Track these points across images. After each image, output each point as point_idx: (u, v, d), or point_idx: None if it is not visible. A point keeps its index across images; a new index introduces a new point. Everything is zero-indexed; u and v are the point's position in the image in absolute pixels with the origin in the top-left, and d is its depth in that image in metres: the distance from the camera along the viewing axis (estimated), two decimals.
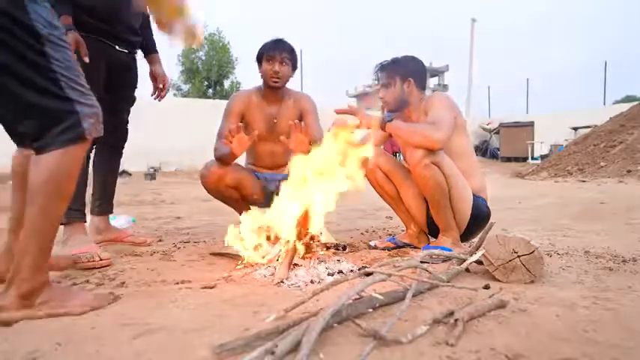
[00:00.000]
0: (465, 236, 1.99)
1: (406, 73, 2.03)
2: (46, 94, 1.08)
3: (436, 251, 1.69)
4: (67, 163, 1.12)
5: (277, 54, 2.19)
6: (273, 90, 2.26)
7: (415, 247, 2.08)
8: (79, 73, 1.17)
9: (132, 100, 2.26)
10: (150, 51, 2.32)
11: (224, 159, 2.09)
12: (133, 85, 2.26)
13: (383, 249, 2.05)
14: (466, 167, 1.94)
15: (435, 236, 2.04)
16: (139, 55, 2.28)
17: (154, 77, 2.30)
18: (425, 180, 1.85)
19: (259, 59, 2.24)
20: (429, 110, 1.94)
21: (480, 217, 1.95)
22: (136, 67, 2.25)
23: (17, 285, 1.08)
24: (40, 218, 1.10)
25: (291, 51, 2.23)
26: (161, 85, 2.30)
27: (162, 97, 2.34)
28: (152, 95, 2.33)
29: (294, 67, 2.28)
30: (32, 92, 1.08)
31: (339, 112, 1.93)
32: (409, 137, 1.86)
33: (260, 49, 2.24)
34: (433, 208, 1.94)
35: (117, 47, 2.08)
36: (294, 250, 1.60)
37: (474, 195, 1.95)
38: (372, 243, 2.15)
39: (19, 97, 1.08)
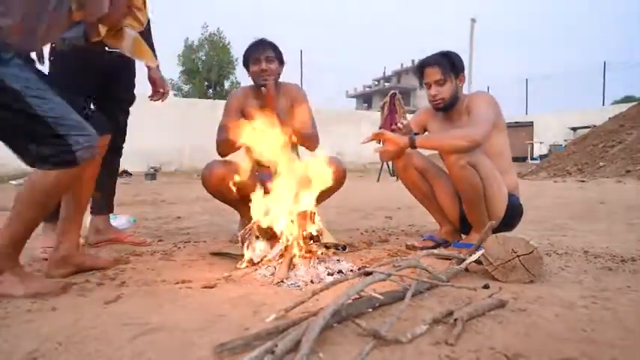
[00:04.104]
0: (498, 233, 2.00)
1: (459, 67, 2.00)
2: (38, 135, 1.27)
3: (436, 251, 1.69)
4: (51, 183, 1.31)
5: (261, 54, 2.21)
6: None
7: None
8: (65, 109, 1.31)
9: (129, 100, 2.25)
10: None
11: (225, 144, 2.14)
12: (128, 85, 2.24)
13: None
14: (501, 166, 1.94)
15: (467, 233, 2.06)
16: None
17: (153, 81, 2.30)
18: (461, 180, 1.85)
19: (246, 63, 2.27)
20: (471, 109, 1.92)
21: (513, 215, 1.96)
22: (132, 68, 2.24)
23: None
24: (14, 218, 1.33)
25: (273, 48, 2.25)
26: (161, 90, 2.31)
27: (162, 100, 2.36)
28: (150, 98, 2.34)
29: (282, 62, 2.29)
30: (28, 137, 1.27)
31: (365, 142, 1.98)
32: (445, 144, 1.85)
33: (244, 53, 2.27)
34: (467, 207, 1.95)
35: (106, 48, 2.07)
36: (294, 250, 1.61)
37: (508, 193, 1.94)
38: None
39: (20, 141, 1.30)
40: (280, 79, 2.32)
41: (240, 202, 2.19)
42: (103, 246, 2.16)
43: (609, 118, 10.28)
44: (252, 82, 2.32)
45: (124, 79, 2.19)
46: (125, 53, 1.72)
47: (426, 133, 2.19)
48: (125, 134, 2.29)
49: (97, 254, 1.94)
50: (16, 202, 1.34)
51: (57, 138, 1.27)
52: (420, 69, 2.03)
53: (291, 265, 1.56)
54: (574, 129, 13.31)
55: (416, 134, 1.94)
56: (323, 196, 2.23)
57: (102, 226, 2.21)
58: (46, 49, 1.93)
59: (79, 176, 1.40)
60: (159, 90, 2.31)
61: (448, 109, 2.03)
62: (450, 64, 1.97)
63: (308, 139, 2.23)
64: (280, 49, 2.29)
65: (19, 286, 1.30)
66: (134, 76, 2.27)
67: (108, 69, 2.05)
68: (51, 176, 1.31)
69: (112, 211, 2.30)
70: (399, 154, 2.06)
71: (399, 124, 2.06)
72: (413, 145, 1.89)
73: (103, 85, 2.05)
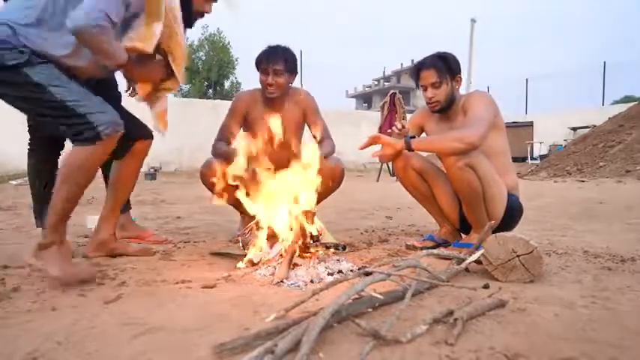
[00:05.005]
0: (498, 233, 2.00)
1: (455, 69, 1.99)
2: (63, 117, 1.47)
3: (435, 251, 1.69)
4: (82, 158, 1.48)
5: (270, 66, 2.15)
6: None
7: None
8: (85, 94, 1.50)
9: (117, 99, 2.17)
10: None
11: (219, 160, 2.12)
12: (111, 85, 2.15)
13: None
14: (500, 166, 1.94)
15: (467, 232, 2.06)
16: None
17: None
18: (459, 182, 1.85)
19: (257, 67, 2.23)
20: (468, 109, 1.92)
21: (512, 215, 1.96)
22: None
23: (42, 237, 1.52)
24: (55, 195, 1.49)
25: (285, 61, 2.17)
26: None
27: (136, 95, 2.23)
28: (126, 92, 2.21)
29: (292, 73, 2.23)
30: (55, 119, 1.49)
31: (363, 147, 1.98)
32: (442, 147, 1.84)
33: (256, 57, 2.22)
34: (466, 208, 1.94)
35: None
36: (294, 249, 1.61)
37: (507, 193, 1.93)
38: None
39: (51, 124, 1.53)
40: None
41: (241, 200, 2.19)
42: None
43: (609, 118, 10.29)
44: (254, 83, 2.32)
45: (103, 80, 2.12)
46: (151, 112, 1.88)
47: (423, 134, 2.19)
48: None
49: (128, 243, 2.06)
50: (56, 180, 1.50)
51: (79, 117, 1.45)
52: (416, 72, 2.02)
53: (291, 265, 1.56)
54: (574, 129, 13.29)
55: (412, 137, 1.94)
56: (321, 196, 2.23)
57: (126, 223, 2.22)
58: None
59: (107, 152, 1.54)
60: (133, 84, 2.15)
61: (445, 110, 2.03)
62: (446, 66, 1.96)
63: (329, 155, 2.22)
64: (293, 58, 2.22)
65: (56, 266, 1.42)
66: (113, 75, 2.18)
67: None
68: (81, 152, 1.47)
69: (130, 207, 2.31)
70: (397, 156, 2.06)
71: (393, 127, 2.05)
72: (409, 149, 1.89)
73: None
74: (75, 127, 1.47)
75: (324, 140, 2.31)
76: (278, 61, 2.15)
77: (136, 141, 1.83)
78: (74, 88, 1.49)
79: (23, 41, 1.42)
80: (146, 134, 1.89)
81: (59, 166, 1.50)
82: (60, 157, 2.10)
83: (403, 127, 2.03)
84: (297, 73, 2.28)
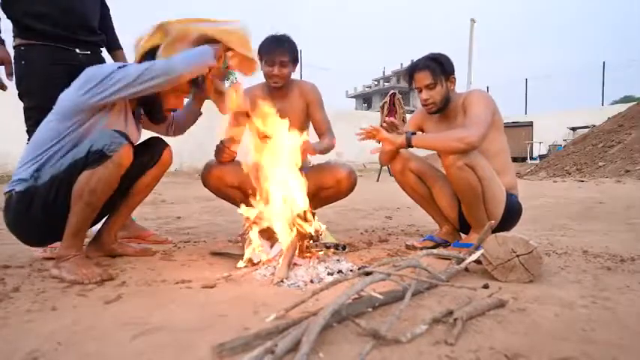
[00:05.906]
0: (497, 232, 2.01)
1: (448, 70, 1.99)
2: (87, 164, 1.54)
3: (435, 251, 1.69)
4: (94, 179, 1.53)
5: (276, 57, 2.15)
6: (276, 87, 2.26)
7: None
8: (72, 141, 1.59)
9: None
10: (112, 47, 2.30)
11: (219, 160, 2.15)
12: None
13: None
14: (500, 165, 1.94)
15: (466, 232, 2.06)
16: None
17: None
18: (458, 182, 1.85)
19: (259, 55, 2.22)
20: (467, 108, 1.92)
21: (512, 214, 1.96)
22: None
23: (60, 247, 1.59)
24: (70, 213, 1.55)
25: (290, 52, 2.18)
26: None
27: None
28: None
29: (295, 63, 2.24)
30: (87, 165, 1.55)
31: (362, 138, 1.99)
32: (441, 146, 1.84)
33: (260, 46, 2.20)
34: (465, 208, 1.94)
35: (77, 50, 2.05)
36: (294, 249, 1.61)
37: (506, 192, 1.93)
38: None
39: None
40: (292, 77, 2.28)
41: (245, 200, 2.18)
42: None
43: (608, 118, 10.30)
44: (253, 83, 2.32)
45: None
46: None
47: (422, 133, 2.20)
48: None
49: (128, 244, 2.07)
50: (71, 200, 1.56)
51: (88, 155, 1.53)
52: (410, 74, 2.02)
53: (291, 265, 1.56)
54: (573, 129, 13.32)
55: (413, 133, 1.94)
56: (330, 200, 2.24)
57: (126, 223, 2.23)
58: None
59: (119, 169, 1.57)
60: None
61: (441, 111, 2.03)
62: (439, 67, 1.96)
63: (326, 151, 2.25)
64: (295, 47, 2.22)
65: (70, 272, 1.51)
66: None
67: (79, 70, 2.03)
68: (92, 174, 1.53)
69: None
70: (394, 156, 2.05)
71: (391, 119, 2.06)
72: (409, 144, 1.89)
73: None
74: (92, 161, 1.54)
75: (324, 135, 2.31)
76: (284, 52, 2.16)
77: (164, 150, 1.92)
78: (68, 149, 1.58)
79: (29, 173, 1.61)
80: (166, 144, 1.99)
81: (74, 187, 1.54)
82: None
83: (396, 127, 2.04)
84: (297, 63, 2.27)
